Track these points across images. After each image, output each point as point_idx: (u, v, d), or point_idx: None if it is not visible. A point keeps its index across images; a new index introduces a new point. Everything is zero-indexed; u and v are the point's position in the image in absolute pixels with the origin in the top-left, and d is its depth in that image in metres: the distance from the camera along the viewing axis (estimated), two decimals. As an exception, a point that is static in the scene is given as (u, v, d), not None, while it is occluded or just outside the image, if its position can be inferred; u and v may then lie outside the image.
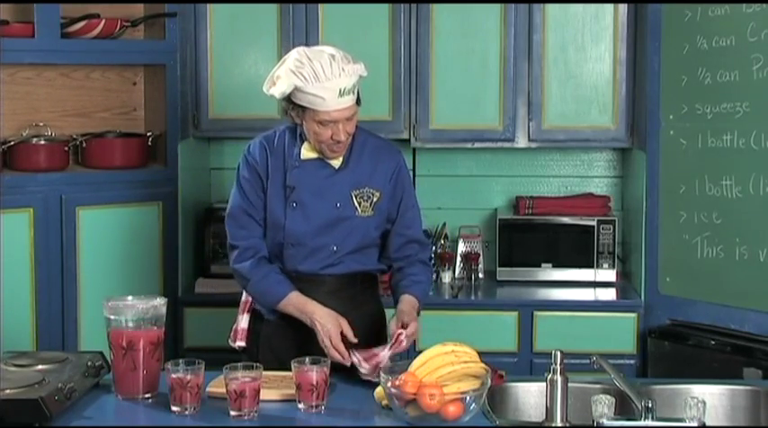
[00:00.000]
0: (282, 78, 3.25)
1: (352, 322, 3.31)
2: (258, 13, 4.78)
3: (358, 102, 3.34)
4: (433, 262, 4.91)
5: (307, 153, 3.38)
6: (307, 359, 2.94)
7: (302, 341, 3.33)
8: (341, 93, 3.23)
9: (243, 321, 3.47)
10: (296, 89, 3.23)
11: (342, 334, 3.25)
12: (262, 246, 3.43)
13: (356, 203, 3.38)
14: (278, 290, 3.37)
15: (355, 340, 3.25)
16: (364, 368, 3.13)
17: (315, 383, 2.88)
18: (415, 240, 3.49)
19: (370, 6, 4.78)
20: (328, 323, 3.26)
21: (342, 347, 3.21)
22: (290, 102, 3.29)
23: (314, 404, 2.89)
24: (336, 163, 3.38)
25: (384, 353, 3.15)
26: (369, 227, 3.41)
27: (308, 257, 3.39)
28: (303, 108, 3.26)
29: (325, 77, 3.21)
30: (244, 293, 3.49)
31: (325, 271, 3.40)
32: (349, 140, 3.36)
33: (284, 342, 3.40)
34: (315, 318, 3.28)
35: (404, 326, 3.24)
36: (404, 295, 3.41)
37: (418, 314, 3.40)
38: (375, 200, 3.40)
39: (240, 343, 3.46)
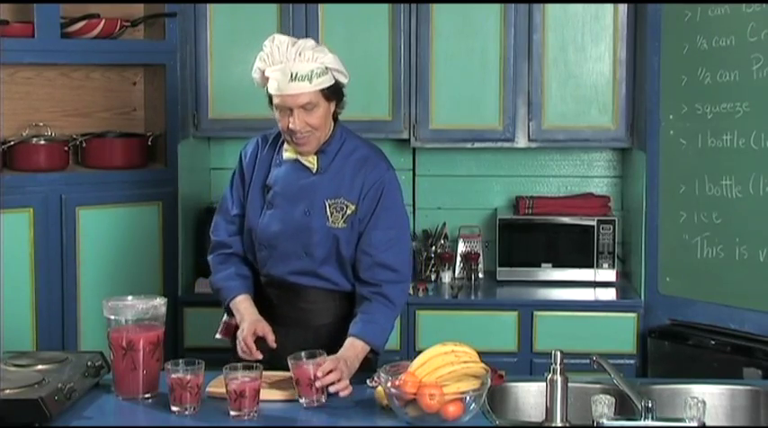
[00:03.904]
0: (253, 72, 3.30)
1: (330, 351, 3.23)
2: (258, 13, 4.77)
3: (332, 98, 3.26)
4: (432, 262, 4.96)
5: (287, 153, 3.32)
6: (302, 353, 2.93)
7: (277, 342, 3.31)
8: (293, 78, 3.15)
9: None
10: (263, 75, 3.23)
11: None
12: (234, 243, 3.42)
13: (328, 213, 3.27)
14: (230, 290, 3.35)
15: (273, 345, 3.19)
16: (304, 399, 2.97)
17: (313, 377, 2.88)
18: (386, 266, 3.26)
19: (370, 6, 4.78)
20: (246, 326, 3.23)
21: (250, 342, 3.18)
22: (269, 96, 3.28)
23: (315, 398, 2.89)
24: (312, 166, 3.29)
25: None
26: (339, 240, 3.27)
27: (279, 262, 3.32)
28: (271, 97, 3.25)
29: (279, 59, 3.18)
30: None
31: (298, 281, 3.32)
32: (319, 137, 3.25)
33: (259, 342, 3.33)
34: (241, 322, 3.27)
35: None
36: (350, 338, 3.18)
37: (372, 360, 3.24)
38: (348, 213, 3.27)
39: (218, 335, 3.46)
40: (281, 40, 3.22)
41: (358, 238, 3.30)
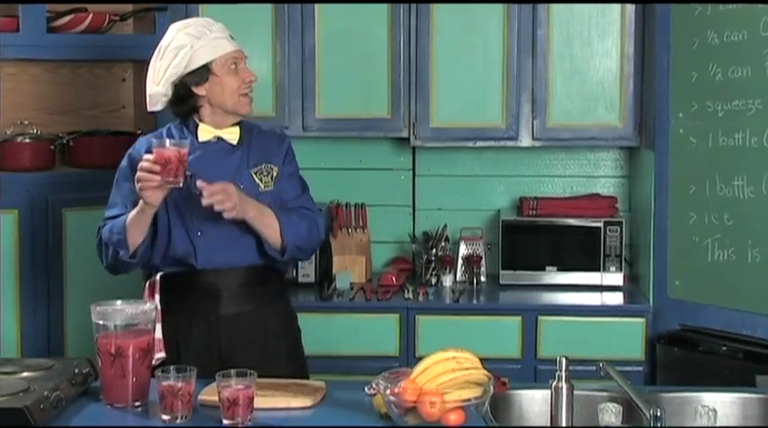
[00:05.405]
0: (175, 58, 3.32)
1: (263, 319, 3.45)
2: (253, 10, 4.73)
3: None
4: (433, 265, 4.93)
5: (204, 134, 3.41)
6: (167, 141, 3.12)
7: (218, 339, 3.40)
8: (232, 38, 3.42)
9: (158, 332, 3.35)
10: (191, 55, 3.32)
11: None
12: None
13: (257, 180, 3.43)
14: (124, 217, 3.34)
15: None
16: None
17: (168, 159, 3.07)
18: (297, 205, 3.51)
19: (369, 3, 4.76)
20: None
21: (155, 168, 3.12)
22: (185, 84, 3.34)
23: (171, 179, 3.09)
24: (235, 137, 3.43)
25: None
26: (273, 203, 3.42)
27: (221, 244, 3.37)
28: (207, 69, 3.34)
29: (210, 29, 3.38)
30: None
31: (238, 262, 3.41)
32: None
33: (202, 342, 3.40)
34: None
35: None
36: None
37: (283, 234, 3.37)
38: (275, 174, 3.47)
39: (160, 355, 3.34)
40: (190, 21, 3.46)
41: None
